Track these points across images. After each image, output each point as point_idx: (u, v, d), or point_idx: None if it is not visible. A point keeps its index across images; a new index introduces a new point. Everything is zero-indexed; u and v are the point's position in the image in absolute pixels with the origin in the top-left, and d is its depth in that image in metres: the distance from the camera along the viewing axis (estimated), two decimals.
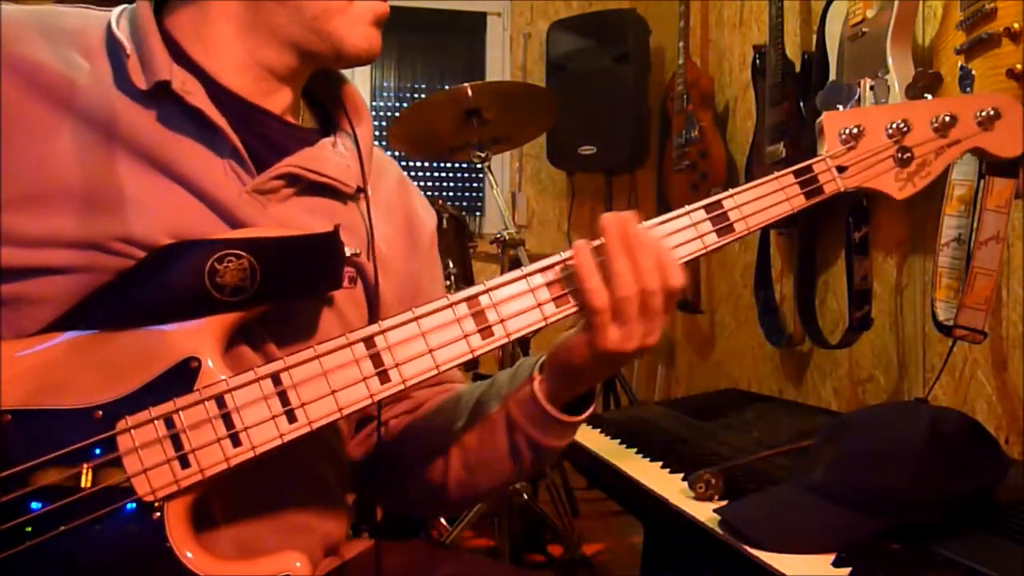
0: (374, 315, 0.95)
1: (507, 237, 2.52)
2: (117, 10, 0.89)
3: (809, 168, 0.95)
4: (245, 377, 0.79)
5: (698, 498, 1.18)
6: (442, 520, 2.58)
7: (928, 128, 0.98)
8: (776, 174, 0.93)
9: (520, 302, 0.85)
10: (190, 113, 0.84)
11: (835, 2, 2.23)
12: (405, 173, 1.10)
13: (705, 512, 1.12)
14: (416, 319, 0.83)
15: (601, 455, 1.56)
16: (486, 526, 2.70)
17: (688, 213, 0.90)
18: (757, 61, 2.71)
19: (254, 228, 0.85)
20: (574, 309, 0.87)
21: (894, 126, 0.97)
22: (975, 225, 1.71)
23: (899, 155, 0.97)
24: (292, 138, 0.92)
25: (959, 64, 1.64)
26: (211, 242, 0.81)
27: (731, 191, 0.91)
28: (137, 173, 0.82)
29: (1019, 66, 1.53)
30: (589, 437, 1.73)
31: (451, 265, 2.69)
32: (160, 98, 0.84)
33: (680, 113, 3.29)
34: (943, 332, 1.81)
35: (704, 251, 0.90)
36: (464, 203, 4.32)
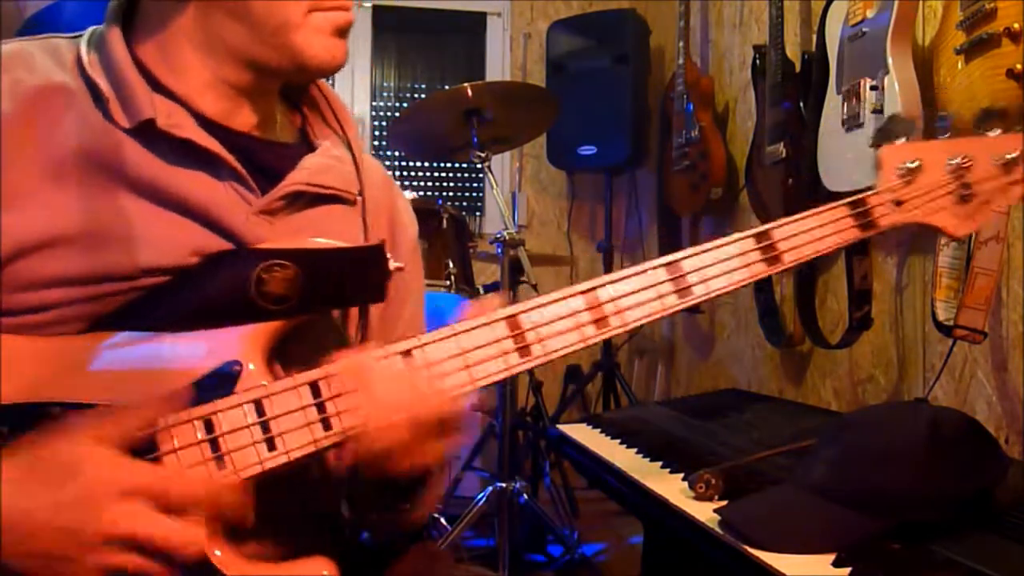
0: (364, 323, 0.95)
1: (507, 237, 2.52)
2: (84, 41, 0.86)
3: (863, 201, 0.93)
4: (285, 383, 0.80)
5: (698, 498, 1.18)
6: (442, 520, 2.58)
7: (991, 164, 0.94)
8: (829, 205, 0.92)
9: (561, 323, 0.85)
10: (181, 143, 0.83)
11: (835, 2, 2.23)
12: (401, 173, 1.09)
13: (705, 512, 1.12)
14: (455, 335, 0.83)
15: (601, 455, 1.56)
16: (486, 526, 2.70)
17: (737, 241, 0.90)
18: (757, 61, 2.71)
19: (302, 239, 0.84)
20: (617, 331, 0.86)
21: (955, 161, 0.94)
22: None
23: (960, 191, 0.94)
24: (279, 154, 0.91)
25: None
26: (259, 251, 0.82)
27: (781, 221, 0.90)
28: (141, 208, 0.82)
29: (1019, 66, 1.53)
30: (589, 437, 1.73)
31: (451, 265, 2.68)
32: (149, 133, 0.82)
33: (680, 113, 3.29)
34: (943, 332, 1.81)
35: (751, 279, 0.90)
36: (464, 203, 4.31)
